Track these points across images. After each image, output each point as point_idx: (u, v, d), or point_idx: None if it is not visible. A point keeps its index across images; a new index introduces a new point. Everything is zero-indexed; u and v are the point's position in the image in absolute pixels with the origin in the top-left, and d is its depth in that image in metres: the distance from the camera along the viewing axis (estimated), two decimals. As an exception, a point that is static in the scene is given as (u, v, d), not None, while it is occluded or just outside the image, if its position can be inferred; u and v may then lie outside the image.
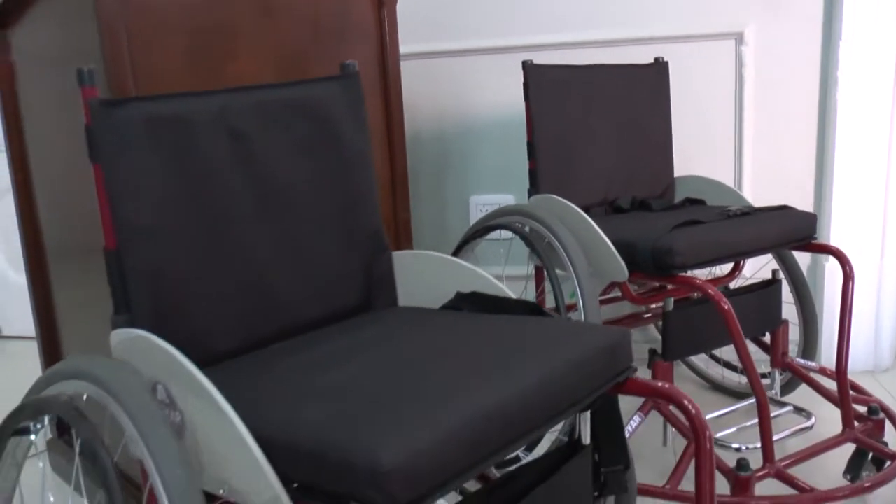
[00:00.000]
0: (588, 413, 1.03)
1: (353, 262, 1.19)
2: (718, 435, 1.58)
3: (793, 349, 1.81)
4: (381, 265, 1.22)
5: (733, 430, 1.61)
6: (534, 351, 0.91)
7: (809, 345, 1.84)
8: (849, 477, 1.57)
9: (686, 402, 0.95)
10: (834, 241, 2.08)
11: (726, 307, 1.40)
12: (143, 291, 0.94)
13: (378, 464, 0.68)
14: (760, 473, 1.45)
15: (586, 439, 1.04)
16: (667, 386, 0.98)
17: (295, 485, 0.78)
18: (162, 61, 1.28)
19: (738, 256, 1.54)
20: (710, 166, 2.15)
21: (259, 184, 1.08)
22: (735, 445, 1.55)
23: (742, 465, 1.42)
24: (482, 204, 2.32)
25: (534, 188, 1.78)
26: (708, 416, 1.76)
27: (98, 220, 0.94)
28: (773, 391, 1.77)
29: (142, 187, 0.94)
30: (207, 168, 1.01)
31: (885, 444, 1.56)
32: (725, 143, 2.16)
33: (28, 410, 0.91)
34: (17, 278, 3.20)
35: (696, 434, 0.95)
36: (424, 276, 1.21)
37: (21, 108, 1.75)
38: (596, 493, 1.06)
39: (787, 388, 1.88)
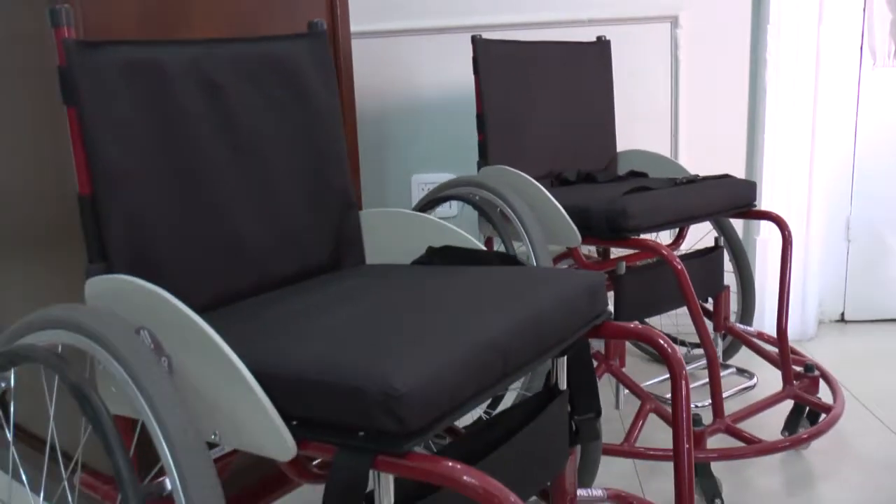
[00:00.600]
0: (564, 359, 1.06)
1: (322, 219, 1.18)
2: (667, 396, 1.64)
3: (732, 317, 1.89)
4: (350, 223, 1.21)
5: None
6: (521, 291, 0.93)
7: (747, 310, 1.92)
8: (786, 433, 1.65)
9: (661, 341, 0.99)
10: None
11: (679, 267, 1.46)
12: (121, 237, 0.92)
13: (391, 387, 0.68)
14: (712, 428, 1.51)
15: (563, 385, 1.06)
16: (641, 326, 1.01)
17: (294, 422, 0.77)
18: (115, 24, 1.25)
19: (687, 221, 1.60)
20: (649, 141, 2.23)
21: (232, 136, 1.06)
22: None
23: (696, 419, 1.48)
24: (424, 183, 2.33)
25: (483, 160, 1.80)
26: (653, 381, 1.83)
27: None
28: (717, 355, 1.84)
29: (118, 132, 0.92)
30: (182, 117, 0.99)
31: (819, 398, 1.65)
32: (662, 119, 2.24)
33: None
34: None
35: (672, 369, 0.98)
36: (394, 233, 1.22)
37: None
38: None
39: (728, 352, 1.96)
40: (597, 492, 1.24)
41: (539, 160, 1.89)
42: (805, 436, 1.55)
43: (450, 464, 0.69)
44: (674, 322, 2.08)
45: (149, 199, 0.96)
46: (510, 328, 0.82)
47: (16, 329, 0.91)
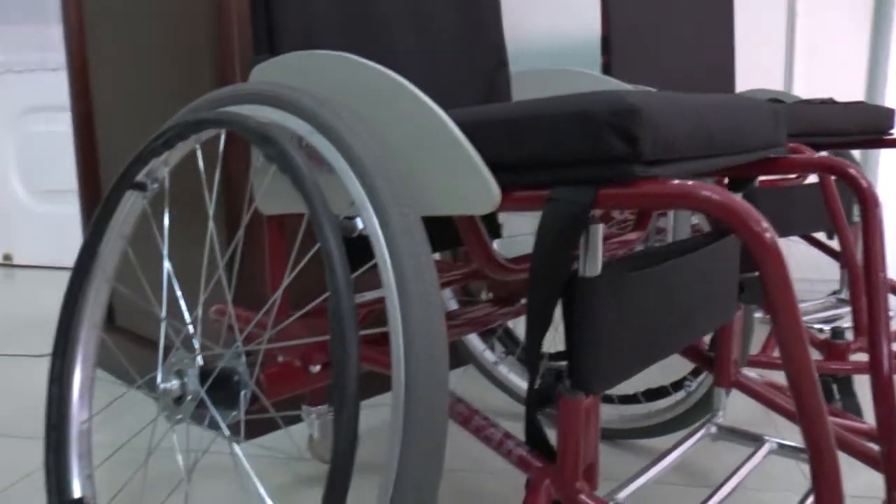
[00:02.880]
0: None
1: (474, 71, 1.15)
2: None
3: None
4: (501, 79, 1.19)
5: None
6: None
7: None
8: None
9: (853, 171, 0.93)
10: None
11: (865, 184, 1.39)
12: (290, 30, 0.90)
13: (626, 103, 0.64)
14: (855, 346, 1.42)
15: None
16: (827, 156, 0.95)
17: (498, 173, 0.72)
18: None
19: (830, 136, 1.53)
20: (762, 75, 2.16)
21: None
22: (818, 326, 1.53)
23: (837, 332, 1.40)
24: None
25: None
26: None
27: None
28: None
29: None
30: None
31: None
32: (777, 52, 2.18)
33: (196, 126, 0.83)
34: (32, 205, 3.10)
35: (865, 204, 0.92)
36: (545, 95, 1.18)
37: (86, 26, 1.72)
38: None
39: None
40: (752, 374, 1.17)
41: (664, 87, 1.84)
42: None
43: (680, 181, 0.64)
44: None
45: (321, 8, 0.95)
46: (714, 103, 0.77)
47: (199, 104, 0.89)
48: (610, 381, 0.74)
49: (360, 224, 0.71)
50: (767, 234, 0.63)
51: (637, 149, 0.64)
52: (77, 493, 0.97)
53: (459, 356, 1.75)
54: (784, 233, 1.60)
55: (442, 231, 1.13)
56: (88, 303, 0.98)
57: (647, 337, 0.79)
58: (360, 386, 0.63)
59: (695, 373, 1.31)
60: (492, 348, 1.58)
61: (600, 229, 0.71)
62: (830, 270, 2.16)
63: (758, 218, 0.63)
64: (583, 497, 0.74)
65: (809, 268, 2.31)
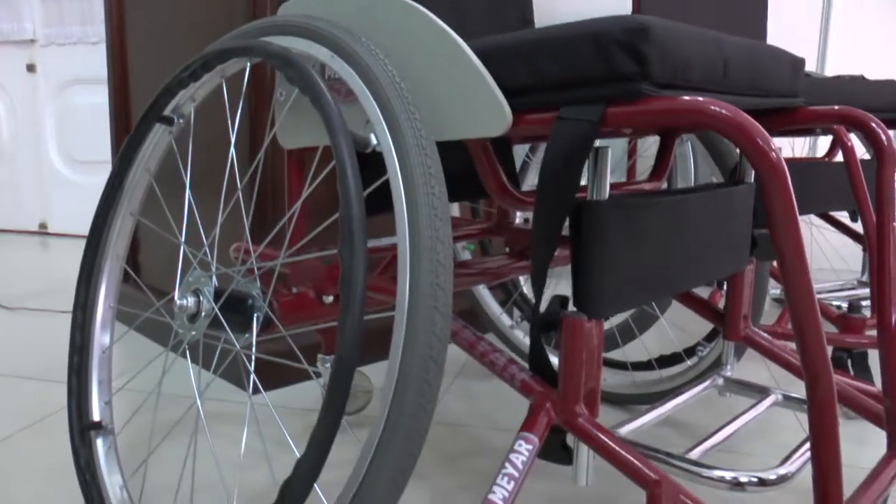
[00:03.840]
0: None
1: (500, 28, 1.17)
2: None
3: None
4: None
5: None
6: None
7: None
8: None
9: (874, 125, 0.92)
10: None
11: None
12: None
13: (636, 23, 0.65)
14: (871, 321, 1.42)
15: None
16: (846, 108, 0.95)
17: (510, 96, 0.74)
18: None
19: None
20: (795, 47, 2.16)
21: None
22: (836, 303, 1.52)
23: (854, 306, 1.39)
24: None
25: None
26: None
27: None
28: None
29: None
30: None
31: None
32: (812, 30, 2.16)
33: (226, 55, 0.86)
34: (68, 175, 3.17)
35: (882, 158, 0.92)
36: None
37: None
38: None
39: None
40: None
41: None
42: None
43: (690, 97, 0.65)
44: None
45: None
46: (734, 41, 0.78)
47: (234, 34, 0.91)
48: (613, 306, 0.75)
49: (373, 139, 0.73)
50: (773, 154, 0.63)
51: (646, 67, 0.65)
52: (96, 416, 1.00)
53: (478, 323, 1.76)
54: (804, 209, 1.59)
55: (461, 183, 1.15)
56: (113, 234, 1.01)
57: (654, 268, 0.80)
58: (365, 291, 0.65)
59: (708, 338, 1.31)
60: (509, 313, 1.59)
61: (608, 152, 0.73)
62: (856, 260, 2.14)
63: (766, 136, 0.64)
64: (581, 421, 0.75)
65: (836, 260, 2.30)
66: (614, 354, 1.54)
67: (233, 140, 1.44)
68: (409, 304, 0.64)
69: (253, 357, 0.83)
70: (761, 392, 0.98)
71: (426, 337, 0.63)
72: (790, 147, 2.22)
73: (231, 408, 1.38)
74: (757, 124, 0.63)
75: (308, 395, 1.46)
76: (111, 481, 0.97)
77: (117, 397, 1.39)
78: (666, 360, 1.37)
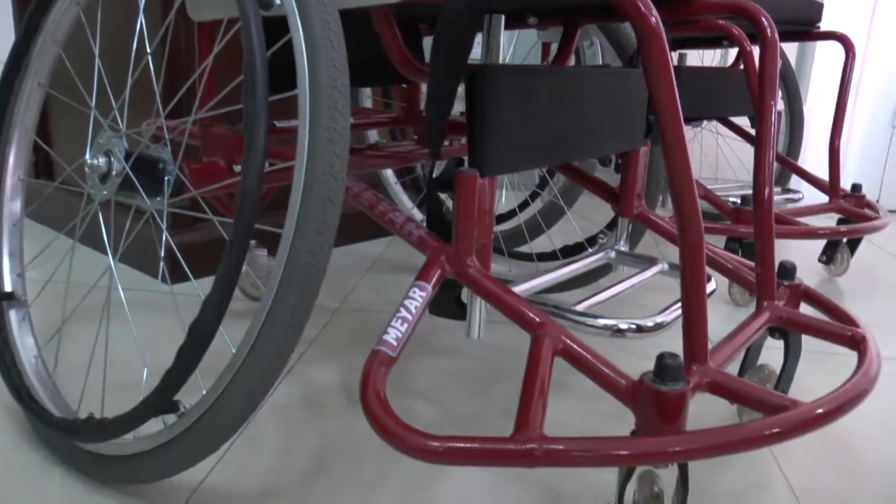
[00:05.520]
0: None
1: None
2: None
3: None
4: None
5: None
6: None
7: (795, 142, 1.92)
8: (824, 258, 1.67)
9: (757, 11, 0.98)
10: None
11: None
12: None
13: None
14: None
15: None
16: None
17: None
18: None
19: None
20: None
21: None
22: (732, 199, 1.61)
23: (746, 199, 1.48)
24: None
25: None
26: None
27: None
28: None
29: None
30: None
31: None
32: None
33: None
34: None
35: (764, 41, 0.98)
36: None
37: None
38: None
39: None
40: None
41: None
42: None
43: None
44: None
45: None
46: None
47: None
48: (505, 164, 0.80)
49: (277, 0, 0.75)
50: (652, 19, 0.68)
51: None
52: (8, 287, 1.01)
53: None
54: (708, 113, 1.67)
55: (373, 69, 1.18)
56: (21, 105, 1.01)
57: (545, 134, 0.85)
58: (266, 135, 0.68)
59: (609, 226, 1.39)
60: (421, 210, 1.64)
61: (501, 20, 0.77)
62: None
63: (648, 4, 0.68)
64: (472, 271, 0.80)
65: (740, 170, 2.40)
66: (524, 249, 1.61)
67: (142, 5, 1.41)
68: (309, 147, 0.67)
69: (163, 243, 0.86)
70: (650, 262, 1.05)
71: (325, 178, 0.67)
72: (699, 60, 2.29)
73: (143, 296, 1.40)
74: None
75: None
76: (25, 349, 0.99)
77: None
78: (569, 250, 1.45)
